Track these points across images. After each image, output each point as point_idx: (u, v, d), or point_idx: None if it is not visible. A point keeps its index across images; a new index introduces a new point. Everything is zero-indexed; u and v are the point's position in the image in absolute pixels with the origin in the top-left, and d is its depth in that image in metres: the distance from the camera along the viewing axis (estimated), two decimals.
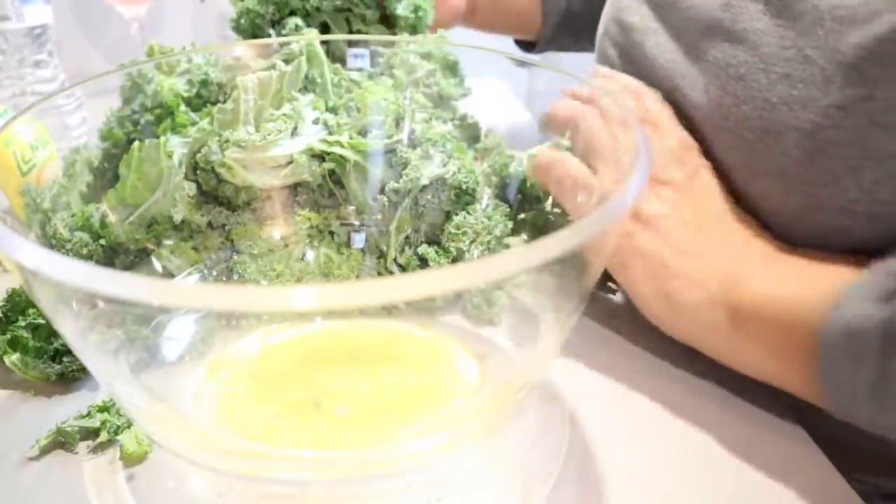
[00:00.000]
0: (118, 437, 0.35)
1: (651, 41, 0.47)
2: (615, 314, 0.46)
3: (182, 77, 0.47)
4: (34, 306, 0.40)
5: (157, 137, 0.42)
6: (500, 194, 0.47)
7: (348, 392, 0.34)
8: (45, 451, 0.35)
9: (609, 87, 0.46)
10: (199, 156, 0.42)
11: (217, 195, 0.43)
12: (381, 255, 0.45)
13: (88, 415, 0.36)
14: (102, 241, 0.40)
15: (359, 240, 0.46)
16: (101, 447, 0.36)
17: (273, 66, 0.46)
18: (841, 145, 0.35)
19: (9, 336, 0.39)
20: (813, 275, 0.37)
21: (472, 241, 0.43)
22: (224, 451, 0.30)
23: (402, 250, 0.44)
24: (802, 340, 0.34)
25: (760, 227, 0.41)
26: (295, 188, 0.45)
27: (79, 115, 0.64)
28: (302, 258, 0.44)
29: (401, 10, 0.61)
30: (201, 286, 0.41)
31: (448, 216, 0.44)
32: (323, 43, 0.49)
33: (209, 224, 0.43)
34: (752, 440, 0.38)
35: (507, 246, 0.44)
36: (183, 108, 0.46)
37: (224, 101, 0.45)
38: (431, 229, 0.45)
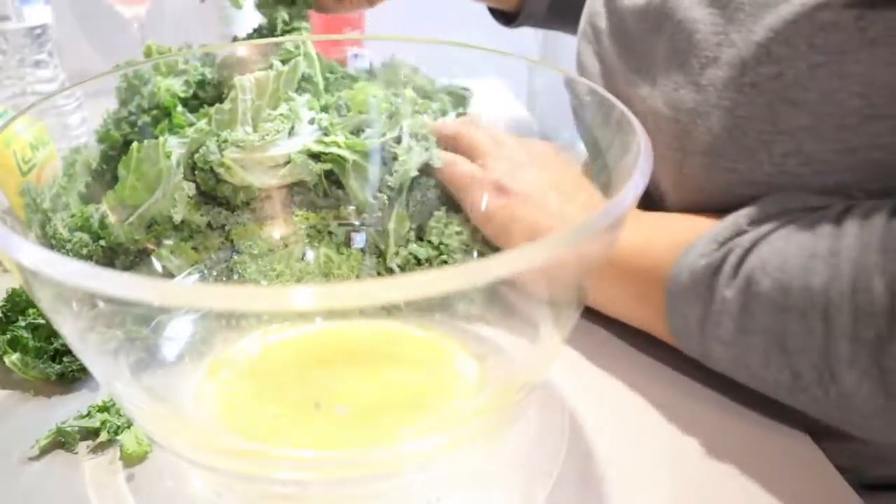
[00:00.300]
0: (118, 437, 0.35)
1: (607, 40, 0.50)
2: None
3: (179, 78, 0.47)
4: (34, 306, 0.40)
5: (155, 138, 0.42)
6: None
7: (348, 392, 0.34)
8: (45, 451, 0.35)
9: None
10: (197, 156, 0.42)
11: (216, 195, 0.43)
12: (381, 255, 0.45)
13: (88, 415, 0.36)
14: (102, 242, 0.40)
15: (358, 239, 0.46)
16: (101, 447, 0.36)
17: (270, 66, 0.46)
18: (755, 121, 0.38)
19: (9, 336, 0.39)
20: (674, 227, 0.41)
21: (449, 231, 0.44)
22: (224, 452, 0.30)
23: (398, 252, 0.44)
24: (656, 282, 0.39)
25: None
26: (293, 188, 0.45)
27: (79, 115, 0.64)
28: (302, 258, 0.44)
29: None
30: (201, 286, 0.41)
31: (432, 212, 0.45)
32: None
33: (209, 224, 0.43)
34: (752, 440, 0.38)
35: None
36: (180, 108, 0.46)
37: (222, 101, 0.45)
38: (422, 226, 0.45)
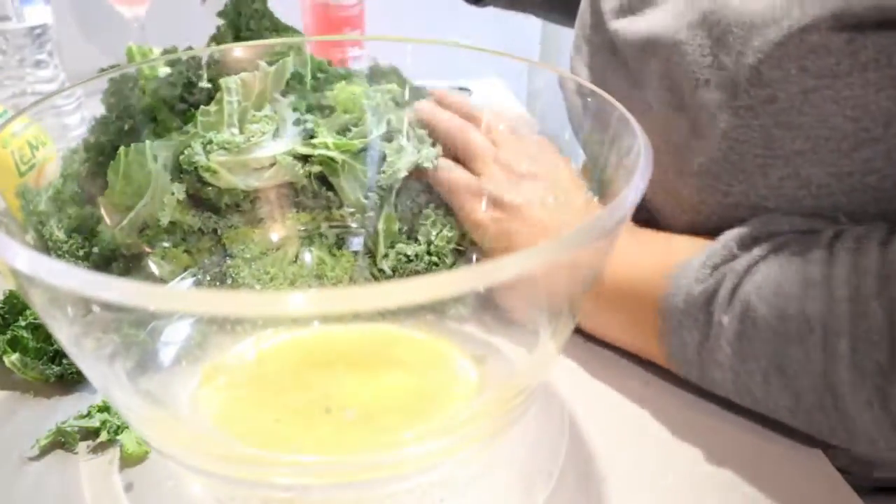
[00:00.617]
0: (118, 437, 0.35)
1: (600, 58, 0.50)
2: None
3: (165, 81, 0.47)
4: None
5: (142, 142, 0.42)
6: None
7: (349, 396, 0.34)
8: (45, 451, 0.35)
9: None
10: (182, 157, 0.42)
11: (202, 198, 0.43)
12: (372, 256, 0.45)
13: (88, 415, 0.36)
14: (96, 249, 0.40)
15: (350, 241, 0.46)
16: (100, 447, 0.36)
17: (256, 67, 0.46)
18: (750, 144, 0.38)
19: (9, 336, 0.39)
20: (665, 249, 0.41)
21: (439, 232, 0.44)
22: (223, 457, 0.30)
23: (387, 253, 0.44)
24: (650, 306, 0.39)
25: None
26: (282, 190, 0.45)
27: (78, 116, 0.64)
28: (294, 261, 0.44)
29: None
30: (197, 292, 0.41)
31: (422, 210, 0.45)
32: None
33: (200, 228, 0.43)
34: (752, 441, 0.38)
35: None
36: (167, 112, 0.46)
37: (208, 104, 0.45)
38: (413, 225, 0.45)
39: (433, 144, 0.47)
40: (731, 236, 0.38)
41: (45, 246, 0.39)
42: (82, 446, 0.36)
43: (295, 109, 0.46)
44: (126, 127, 0.44)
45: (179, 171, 0.42)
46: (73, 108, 0.64)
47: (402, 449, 0.31)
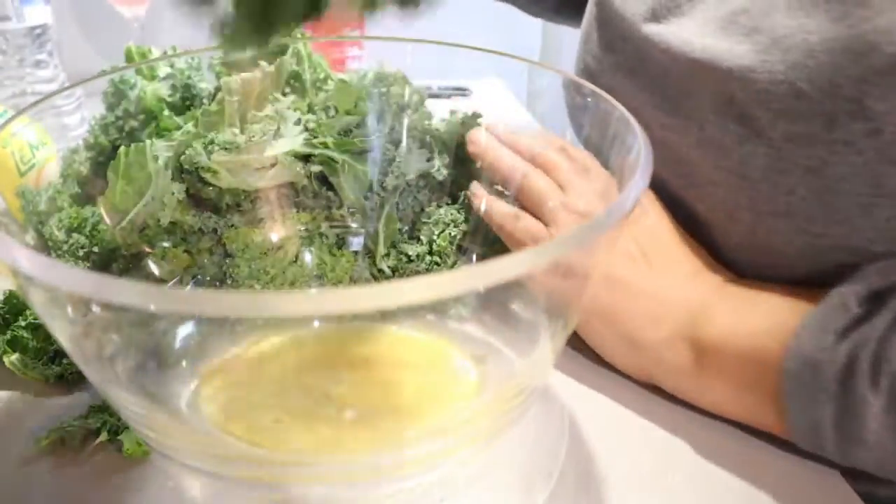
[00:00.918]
0: (118, 437, 0.35)
1: (632, 89, 0.45)
2: None
3: (165, 81, 0.47)
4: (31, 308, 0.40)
5: (143, 142, 0.42)
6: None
7: (349, 395, 0.34)
8: (45, 451, 0.35)
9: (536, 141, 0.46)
10: (183, 158, 0.42)
11: (202, 198, 0.43)
12: (372, 256, 0.45)
13: (88, 415, 0.36)
14: (96, 249, 0.40)
15: (350, 241, 0.46)
16: (100, 447, 0.36)
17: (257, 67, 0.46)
18: (851, 182, 0.34)
19: (9, 336, 0.39)
20: (771, 307, 0.37)
21: (441, 232, 0.44)
22: (223, 457, 0.30)
23: (388, 253, 0.44)
24: (767, 376, 0.35)
25: (708, 256, 0.42)
26: (282, 190, 0.45)
27: (78, 116, 0.64)
28: (295, 261, 0.44)
29: None
30: (197, 292, 0.41)
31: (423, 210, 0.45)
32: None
33: (200, 228, 0.43)
34: (752, 440, 0.38)
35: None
36: (167, 112, 0.46)
37: (209, 104, 0.45)
38: (414, 225, 0.45)
39: (439, 153, 0.46)
40: (845, 291, 0.34)
41: (45, 246, 0.39)
42: (82, 446, 0.36)
43: (296, 109, 0.46)
44: (126, 127, 0.44)
45: (180, 170, 0.42)
46: (73, 108, 0.64)
47: (403, 449, 0.31)
